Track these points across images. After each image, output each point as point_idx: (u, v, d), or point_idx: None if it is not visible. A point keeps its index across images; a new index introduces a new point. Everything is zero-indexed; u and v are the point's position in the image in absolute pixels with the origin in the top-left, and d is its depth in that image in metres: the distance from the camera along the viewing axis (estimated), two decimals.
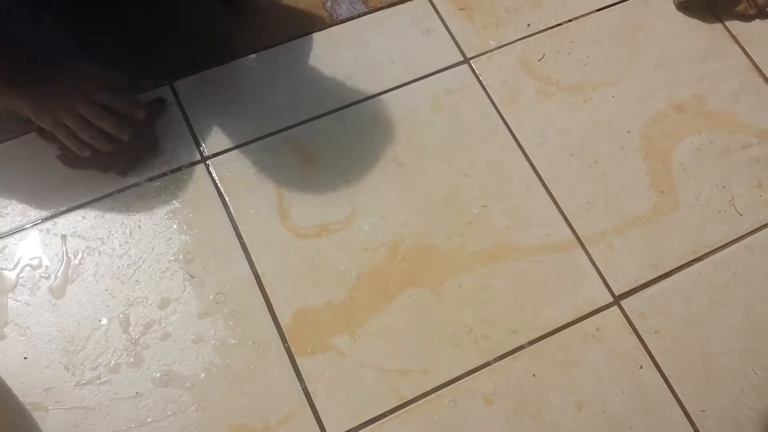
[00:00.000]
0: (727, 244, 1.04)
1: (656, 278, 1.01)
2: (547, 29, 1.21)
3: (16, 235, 0.99)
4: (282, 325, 0.95)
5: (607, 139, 1.10)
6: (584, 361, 0.95)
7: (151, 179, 1.03)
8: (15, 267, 0.97)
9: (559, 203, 1.05)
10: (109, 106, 0.97)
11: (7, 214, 1.01)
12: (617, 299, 0.99)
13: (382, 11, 1.22)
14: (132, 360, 0.92)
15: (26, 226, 1.00)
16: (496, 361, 0.95)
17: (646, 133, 1.11)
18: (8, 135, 1.07)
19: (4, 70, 0.92)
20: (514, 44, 1.19)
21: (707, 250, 1.03)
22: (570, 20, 1.22)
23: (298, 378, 0.92)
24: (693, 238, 1.04)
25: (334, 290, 0.98)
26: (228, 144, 1.07)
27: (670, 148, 1.10)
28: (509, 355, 0.95)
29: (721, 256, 1.03)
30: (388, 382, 0.93)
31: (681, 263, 1.02)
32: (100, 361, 0.92)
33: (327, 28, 1.20)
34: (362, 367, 0.94)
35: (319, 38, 1.19)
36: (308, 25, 1.22)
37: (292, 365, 0.93)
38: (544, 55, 1.18)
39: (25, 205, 1.01)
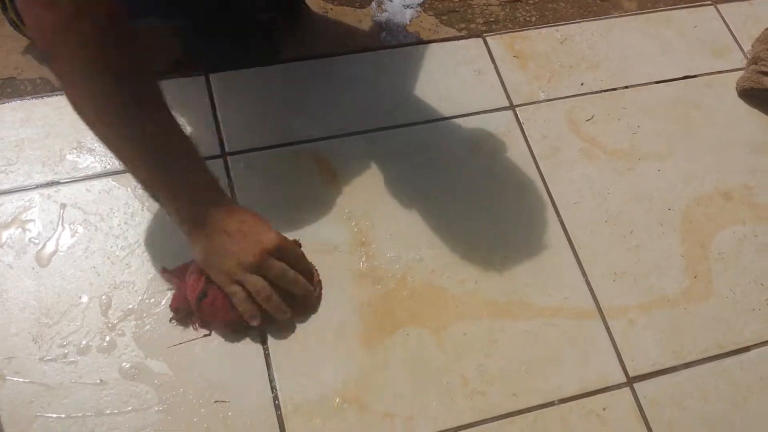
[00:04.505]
0: (757, 344, 0.96)
1: (676, 366, 0.93)
2: (601, 92, 1.16)
3: (15, 195, 0.95)
4: (268, 341, 0.89)
5: (647, 212, 1.04)
6: None
7: None
8: (6, 227, 0.93)
9: (585, 268, 0.99)
10: (295, 265, 0.88)
11: (12, 172, 0.97)
12: (630, 381, 0.91)
13: (434, 44, 1.19)
14: (105, 345, 0.86)
15: (28, 188, 0.96)
16: (489, 422, 0.87)
17: (688, 214, 1.05)
18: (28, 94, 1.04)
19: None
20: (564, 100, 1.15)
21: (735, 347, 0.95)
22: (626, 87, 1.17)
23: (274, 400, 0.85)
24: (721, 331, 0.96)
25: (330, 314, 0.91)
26: (251, 144, 1.03)
27: (711, 233, 1.04)
28: (505, 418, 0.88)
29: (749, 356, 0.95)
30: (368, 423, 0.85)
31: (705, 355, 0.94)
32: (71, 339, 0.86)
33: (376, 50, 1.16)
34: (344, 402, 0.86)
35: (366, 59, 1.16)
36: (358, 44, 1.19)
37: (270, 381, 0.86)
38: (593, 116, 1.13)
39: (31, 166, 0.97)
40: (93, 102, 0.74)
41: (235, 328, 0.88)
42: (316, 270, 0.93)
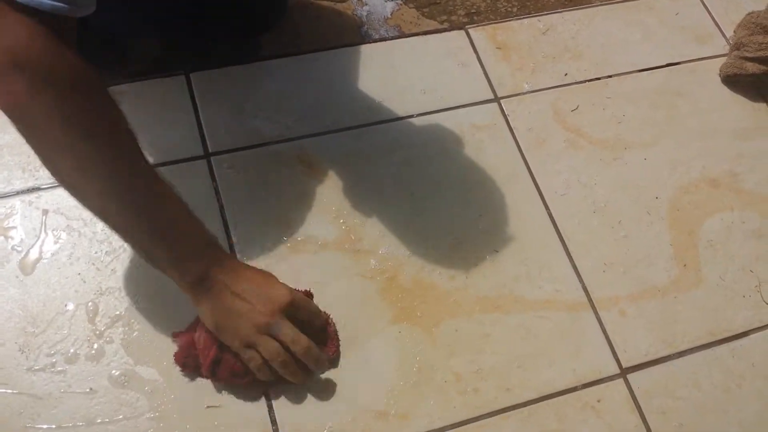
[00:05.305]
0: (748, 331, 0.96)
1: (668, 356, 0.93)
2: (585, 81, 1.16)
3: None
4: None
5: (634, 201, 1.04)
6: None
7: None
8: None
9: (575, 260, 0.98)
10: (309, 321, 0.83)
11: None
12: (624, 372, 0.91)
13: (416, 37, 1.18)
14: (93, 352, 0.85)
15: (8, 195, 0.94)
16: (483, 418, 0.87)
17: (675, 202, 1.05)
18: None
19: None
20: (548, 91, 1.14)
21: (726, 335, 0.96)
22: (610, 76, 1.17)
23: (266, 402, 0.84)
24: (712, 319, 0.96)
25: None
26: (235, 143, 1.01)
27: (698, 221, 1.04)
28: (499, 413, 0.87)
29: (741, 343, 0.95)
30: (363, 423, 0.85)
31: (697, 344, 0.94)
32: (58, 348, 0.85)
33: (359, 44, 1.15)
34: (336, 401, 0.85)
35: (348, 54, 1.14)
36: (339, 40, 1.17)
37: (262, 387, 0.85)
38: (578, 106, 1.12)
39: (10, 172, 0.95)
40: (75, 173, 0.71)
41: (250, 387, 0.84)
42: (333, 322, 0.89)
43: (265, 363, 0.80)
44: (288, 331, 0.80)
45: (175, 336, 0.85)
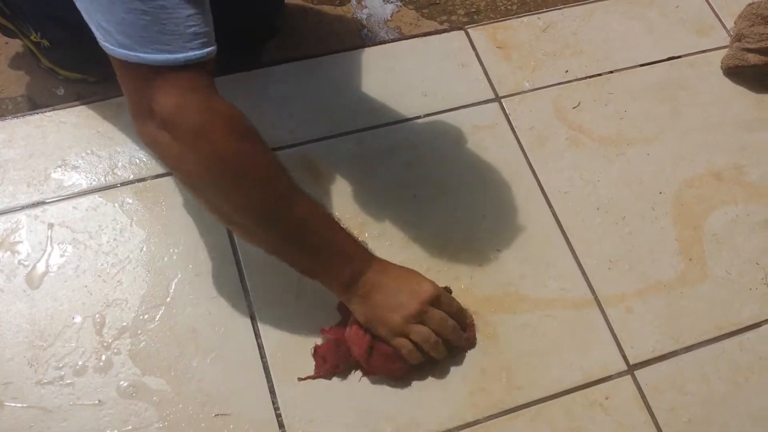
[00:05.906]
0: (755, 324, 0.96)
1: (676, 351, 0.93)
2: (586, 78, 1.16)
3: (2, 217, 0.94)
4: (266, 349, 0.88)
5: (638, 197, 1.04)
6: (588, 431, 0.87)
7: (153, 177, 0.98)
8: None
9: (579, 258, 0.98)
10: (450, 310, 0.88)
11: None
12: (631, 368, 0.91)
13: (416, 39, 1.18)
14: (101, 364, 0.85)
15: (14, 210, 0.95)
16: (492, 419, 0.87)
17: (679, 197, 1.04)
18: (9, 113, 1.03)
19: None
20: (549, 88, 1.14)
21: (733, 328, 0.95)
22: (611, 72, 1.17)
23: (274, 407, 0.85)
24: (719, 313, 0.96)
25: (326, 320, 0.90)
26: None
27: (703, 215, 1.03)
28: (507, 413, 0.87)
29: (748, 336, 0.95)
30: (372, 426, 0.85)
31: (704, 338, 0.94)
32: (66, 361, 0.85)
33: (359, 48, 1.15)
34: (346, 405, 0.86)
35: (349, 58, 1.14)
36: (339, 43, 1.17)
37: (270, 393, 0.86)
38: (579, 103, 1.12)
39: (15, 187, 0.96)
40: (237, 217, 0.77)
41: (401, 375, 0.88)
42: (470, 313, 0.92)
43: (415, 347, 0.84)
44: (436, 315, 0.85)
45: (323, 331, 0.89)
